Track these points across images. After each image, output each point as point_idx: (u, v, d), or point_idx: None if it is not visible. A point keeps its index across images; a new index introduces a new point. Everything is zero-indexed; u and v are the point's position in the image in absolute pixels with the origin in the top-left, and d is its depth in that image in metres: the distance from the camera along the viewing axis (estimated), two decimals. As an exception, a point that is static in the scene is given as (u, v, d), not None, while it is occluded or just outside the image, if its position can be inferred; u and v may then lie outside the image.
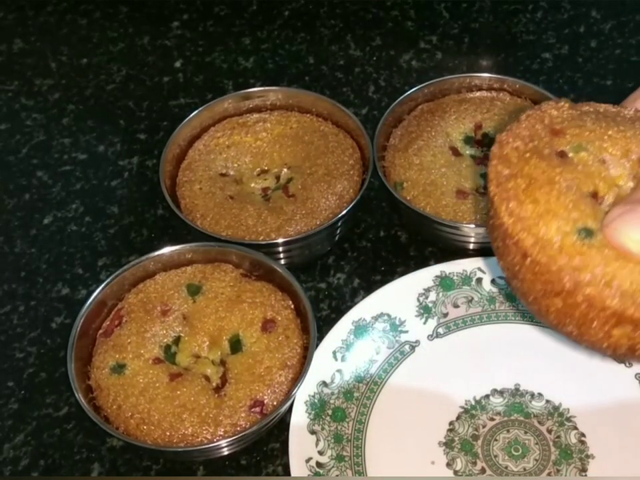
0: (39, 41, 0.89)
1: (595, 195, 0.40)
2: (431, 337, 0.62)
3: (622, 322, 0.37)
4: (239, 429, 0.54)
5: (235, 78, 0.84)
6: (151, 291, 0.61)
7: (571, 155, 0.41)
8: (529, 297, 0.41)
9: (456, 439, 0.56)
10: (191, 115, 0.71)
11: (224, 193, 0.67)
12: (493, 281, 0.63)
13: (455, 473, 0.55)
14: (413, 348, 0.61)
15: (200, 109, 0.72)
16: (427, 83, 0.72)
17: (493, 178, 0.41)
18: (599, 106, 0.44)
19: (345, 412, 0.58)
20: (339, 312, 0.63)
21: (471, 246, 0.65)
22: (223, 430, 0.54)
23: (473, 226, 0.63)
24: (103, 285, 0.60)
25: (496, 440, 0.56)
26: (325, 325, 0.62)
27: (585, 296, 0.37)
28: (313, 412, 0.57)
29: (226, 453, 0.56)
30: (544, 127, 0.42)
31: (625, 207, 0.38)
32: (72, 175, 0.76)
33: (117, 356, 0.57)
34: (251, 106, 0.73)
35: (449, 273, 0.63)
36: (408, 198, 0.66)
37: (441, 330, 0.62)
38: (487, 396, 0.58)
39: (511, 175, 0.40)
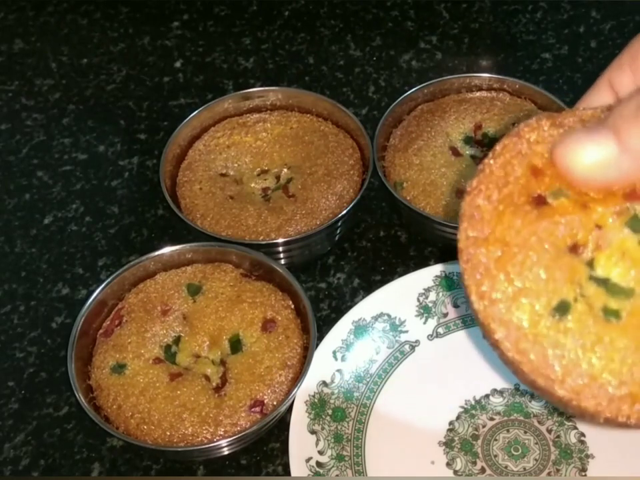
0: (39, 41, 0.89)
1: (574, 248, 0.37)
2: (430, 337, 0.62)
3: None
4: (239, 428, 0.55)
5: (235, 78, 0.84)
6: (151, 290, 0.61)
7: (549, 200, 0.37)
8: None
9: (456, 438, 0.56)
10: (191, 115, 0.71)
11: (224, 192, 0.67)
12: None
13: (455, 472, 0.55)
14: (412, 348, 0.61)
15: (200, 109, 0.72)
16: (426, 83, 0.72)
17: (462, 248, 0.37)
18: (584, 113, 0.39)
19: (345, 412, 0.58)
20: (338, 312, 0.63)
21: (471, 246, 0.65)
22: (223, 430, 0.54)
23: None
24: (103, 285, 0.60)
25: (496, 440, 0.56)
26: (324, 325, 0.62)
27: (563, 397, 0.35)
28: (313, 412, 0.57)
29: (226, 452, 0.56)
30: (521, 162, 0.38)
31: (582, 129, 0.36)
32: (72, 175, 0.76)
33: (117, 356, 0.57)
34: (251, 106, 0.73)
35: (449, 273, 0.63)
36: (408, 198, 0.66)
37: (440, 330, 0.62)
38: (487, 396, 0.58)
39: (482, 239, 0.36)
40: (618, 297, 0.36)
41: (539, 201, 0.37)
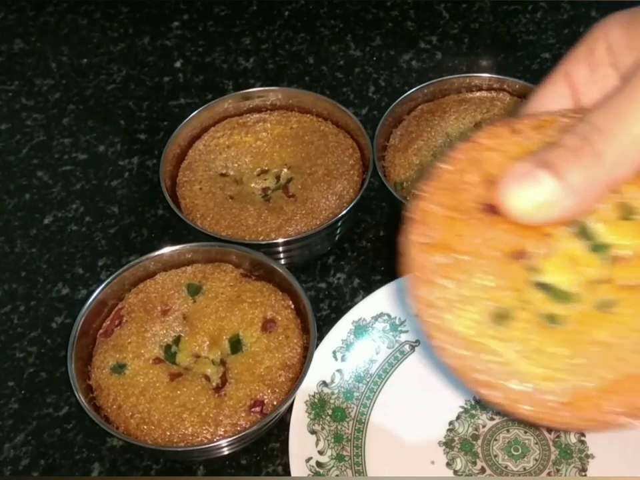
0: (39, 41, 0.89)
1: (521, 255, 0.36)
2: (430, 337, 0.62)
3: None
4: (239, 428, 0.54)
5: (235, 78, 0.84)
6: (151, 290, 0.61)
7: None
8: None
9: (456, 438, 0.56)
10: (191, 115, 0.71)
11: (224, 192, 0.67)
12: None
13: (455, 472, 0.55)
14: (413, 348, 0.61)
15: (200, 109, 0.72)
16: (426, 83, 0.72)
17: (409, 252, 0.36)
18: (542, 118, 0.38)
19: (345, 412, 0.58)
20: (338, 312, 0.63)
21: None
22: (223, 430, 0.54)
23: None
24: (103, 285, 0.60)
25: (496, 440, 0.56)
26: (325, 325, 0.62)
27: (502, 404, 0.34)
28: (313, 412, 0.57)
29: (226, 452, 0.56)
30: (476, 169, 0.37)
31: (522, 167, 0.34)
32: (72, 175, 0.76)
33: (117, 356, 0.57)
34: (251, 106, 0.73)
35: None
36: (408, 198, 0.66)
37: (440, 330, 0.62)
38: (487, 396, 0.58)
39: (429, 245, 0.36)
40: (564, 303, 0.35)
41: (491, 210, 0.36)
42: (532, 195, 0.34)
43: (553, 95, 0.39)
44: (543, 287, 0.36)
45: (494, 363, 0.34)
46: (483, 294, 0.35)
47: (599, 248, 0.36)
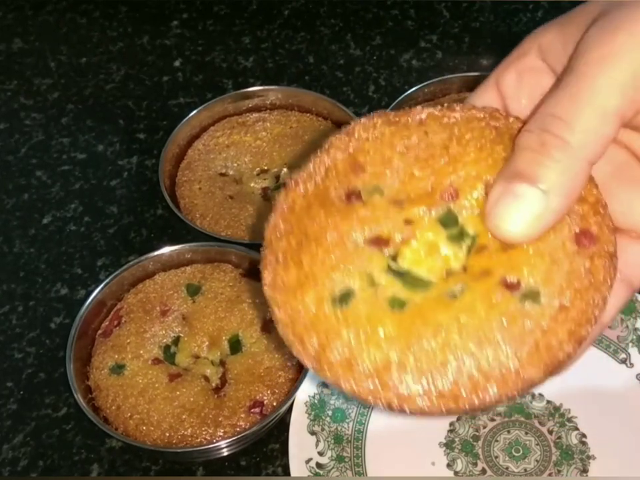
0: (38, 40, 0.89)
1: (377, 242, 0.36)
2: (431, 337, 0.61)
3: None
4: (238, 429, 0.54)
5: (235, 77, 0.83)
6: (150, 291, 0.61)
7: (365, 197, 0.36)
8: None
9: (456, 439, 0.56)
10: (191, 115, 0.71)
11: (223, 192, 0.67)
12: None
13: (456, 473, 0.55)
14: (413, 348, 0.61)
15: (199, 108, 0.72)
16: (427, 83, 0.72)
17: (267, 236, 0.36)
18: (420, 110, 0.37)
19: (345, 413, 0.57)
20: (339, 312, 0.63)
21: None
22: (222, 430, 0.54)
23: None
24: (102, 285, 0.60)
25: (497, 441, 0.56)
26: (324, 325, 0.62)
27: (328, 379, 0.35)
28: (313, 412, 0.57)
29: (225, 453, 0.56)
30: (345, 158, 0.37)
31: (498, 189, 0.33)
32: (71, 175, 0.75)
33: (116, 356, 0.57)
34: (250, 105, 0.73)
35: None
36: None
37: (441, 330, 0.62)
38: (488, 396, 0.58)
39: (286, 231, 0.36)
40: (414, 288, 0.35)
41: (355, 196, 0.36)
42: (519, 214, 0.33)
43: (483, 102, 0.39)
44: (395, 273, 0.36)
45: (329, 340, 0.34)
46: (328, 275, 0.35)
47: (458, 237, 0.36)
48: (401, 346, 0.34)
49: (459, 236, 0.36)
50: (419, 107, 0.38)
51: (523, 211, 0.33)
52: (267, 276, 0.36)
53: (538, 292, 0.33)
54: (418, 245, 0.36)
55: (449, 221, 0.36)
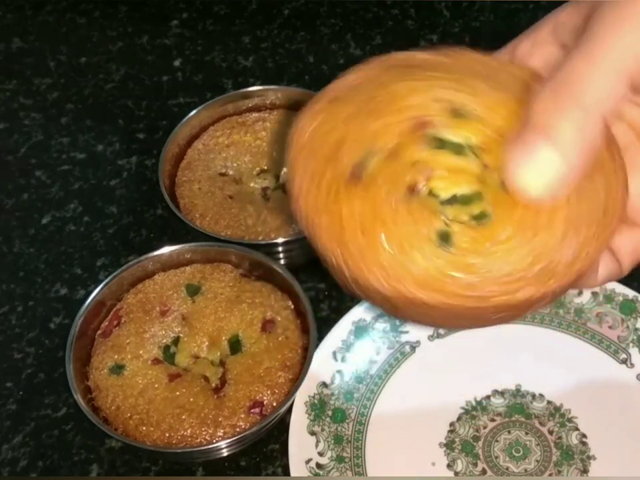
0: (37, 40, 0.88)
1: (411, 191, 0.35)
2: (431, 338, 0.61)
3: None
4: (238, 429, 0.54)
5: (235, 77, 0.83)
6: (150, 291, 0.61)
7: (362, 175, 0.36)
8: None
9: (456, 439, 0.56)
10: (190, 114, 0.71)
11: (223, 192, 0.67)
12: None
13: (456, 474, 0.55)
14: (413, 348, 0.61)
15: (199, 108, 0.71)
16: (427, 82, 0.72)
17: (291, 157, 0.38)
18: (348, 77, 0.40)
19: (345, 413, 0.57)
20: (338, 312, 0.63)
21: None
22: (222, 431, 0.54)
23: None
24: (101, 285, 0.60)
25: (497, 441, 0.56)
26: (324, 326, 0.62)
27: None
28: (313, 413, 0.57)
29: (225, 454, 0.56)
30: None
31: (515, 146, 0.33)
32: (70, 175, 0.75)
33: (116, 356, 0.57)
34: (250, 105, 0.73)
35: (450, 273, 0.63)
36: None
37: (441, 330, 0.61)
38: (488, 397, 0.58)
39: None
40: (474, 205, 0.35)
41: (357, 177, 0.36)
42: (537, 168, 0.33)
43: None
44: (452, 201, 0.36)
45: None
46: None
47: (460, 149, 0.36)
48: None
49: (459, 148, 0.36)
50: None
51: (540, 165, 0.33)
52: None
53: None
54: (441, 171, 0.36)
55: (437, 142, 0.36)
